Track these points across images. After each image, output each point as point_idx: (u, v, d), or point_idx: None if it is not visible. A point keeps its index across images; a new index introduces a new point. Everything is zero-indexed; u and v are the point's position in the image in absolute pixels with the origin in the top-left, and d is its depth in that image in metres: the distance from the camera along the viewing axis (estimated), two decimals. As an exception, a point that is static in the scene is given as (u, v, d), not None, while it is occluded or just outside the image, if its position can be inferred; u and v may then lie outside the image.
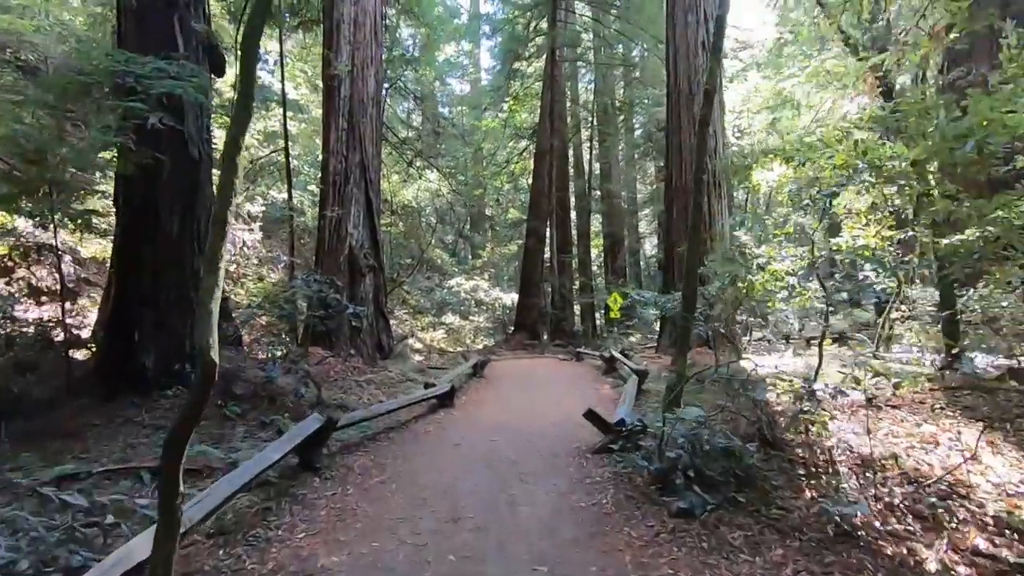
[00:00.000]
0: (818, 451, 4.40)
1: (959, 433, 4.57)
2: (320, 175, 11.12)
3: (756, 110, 15.64)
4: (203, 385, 2.09)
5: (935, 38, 6.73)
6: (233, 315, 7.88)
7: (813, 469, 4.10)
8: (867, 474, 3.90)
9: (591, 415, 4.84)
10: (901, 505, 3.51)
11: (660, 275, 28.02)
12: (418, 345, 18.01)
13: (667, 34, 13.39)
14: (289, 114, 17.14)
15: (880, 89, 8.09)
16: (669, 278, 12.88)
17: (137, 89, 4.90)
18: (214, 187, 8.89)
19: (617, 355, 9.78)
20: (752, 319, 13.60)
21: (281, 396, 7.08)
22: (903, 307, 11.02)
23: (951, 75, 7.00)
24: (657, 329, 18.69)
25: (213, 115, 14.08)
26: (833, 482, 3.80)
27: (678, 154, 12.58)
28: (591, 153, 26.25)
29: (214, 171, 7.34)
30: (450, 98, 28.71)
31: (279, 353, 8.08)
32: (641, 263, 31.29)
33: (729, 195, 13.22)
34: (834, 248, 7.93)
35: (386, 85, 14.69)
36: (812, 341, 17.45)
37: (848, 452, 4.51)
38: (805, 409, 4.19)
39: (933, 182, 4.73)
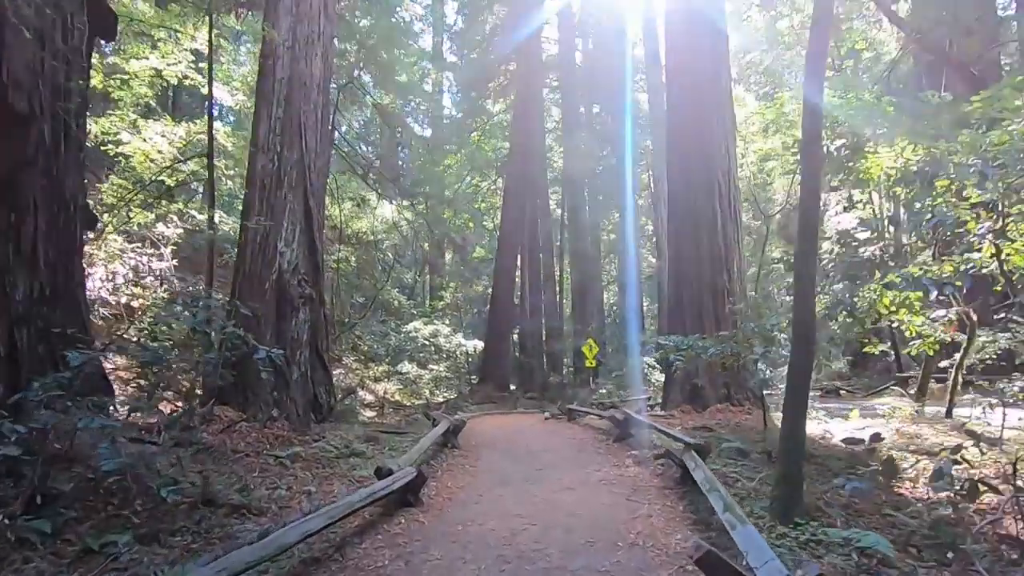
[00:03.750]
0: None
1: None
2: (246, 176, 8.58)
3: (755, 132, 14.34)
4: None
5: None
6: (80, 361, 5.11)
7: None
8: None
9: (710, 561, 2.44)
10: None
11: (626, 322, 26.27)
12: (369, 398, 15.20)
13: (666, 41, 11.87)
14: (226, 129, 14.60)
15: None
16: (676, 315, 10.79)
17: None
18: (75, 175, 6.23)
19: (636, 416, 7.41)
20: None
21: (141, 493, 4.35)
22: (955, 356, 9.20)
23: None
24: (653, 381, 16.55)
25: (115, 112, 11.50)
26: None
27: (685, 163, 10.79)
28: (560, 196, 24.61)
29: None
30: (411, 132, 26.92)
31: (153, 419, 5.34)
32: (604, 311, 29.48)
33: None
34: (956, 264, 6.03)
35: (335, 85, 12.41)
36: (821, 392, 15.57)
37: None
38: None
39: None
